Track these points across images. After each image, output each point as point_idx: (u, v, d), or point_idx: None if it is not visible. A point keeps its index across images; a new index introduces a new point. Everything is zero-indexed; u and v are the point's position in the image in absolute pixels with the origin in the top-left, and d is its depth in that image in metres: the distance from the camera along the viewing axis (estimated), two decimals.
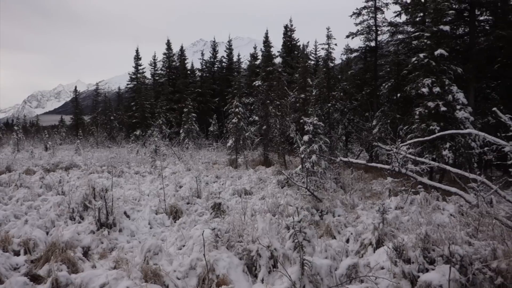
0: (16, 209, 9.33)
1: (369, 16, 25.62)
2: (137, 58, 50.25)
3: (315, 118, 12.08)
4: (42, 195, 11.15)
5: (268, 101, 21.53)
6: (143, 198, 10.83)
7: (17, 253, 6.34)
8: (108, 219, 7.46)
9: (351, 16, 25.87)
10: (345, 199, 10.25)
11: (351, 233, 7.10)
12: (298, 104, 25.81)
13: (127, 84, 53.46)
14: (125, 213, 8.37)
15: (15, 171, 15.87)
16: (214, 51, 49.91)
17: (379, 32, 25.85)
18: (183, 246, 6.68)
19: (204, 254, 5.29)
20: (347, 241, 6.98)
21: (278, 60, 39.00)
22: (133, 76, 51.39)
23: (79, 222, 7.83)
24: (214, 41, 50.86)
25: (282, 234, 6.24)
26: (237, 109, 21.06)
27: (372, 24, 25.68)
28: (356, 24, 25.87)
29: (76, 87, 61.78)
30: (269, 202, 9.61)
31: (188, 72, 49.38)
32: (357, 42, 27.41)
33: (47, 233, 7.29)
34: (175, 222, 8.51)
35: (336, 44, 22.73)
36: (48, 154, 28.36)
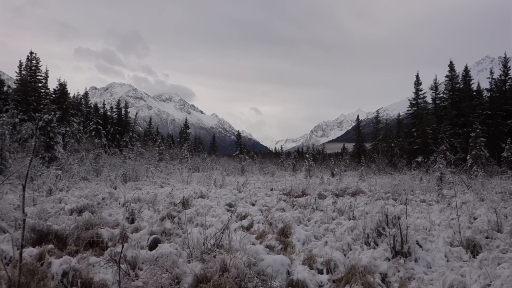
0: (315, 230, 10.27)
1: None
2: (417, 83, 49.64)
3: None
4: (336, 219, 11.92)
5: None
6: (433, 228, 10.34)
7: (320, 272, 6.91)
8: (403, 247, 7.42)
9: None
10: None
11: None
12: None
13: (407, 110, 53.19)
14: (417, 242, 8.16)
15: (310, 195, 17.63)
16: (505, 67, 44.51)
17: None
18: (488, 285, 6.06)
19: None
20: None
21: None
22: (413, 102, 50.88)
23: (374, 248, 8.03)
24: (505, 57, 45.59)
25: None
26: None
27: None
28: None
29: (358, 116, 65.03)
30: None
31: (474, 93, 45.60)
32: None
33: (344, 255, 7.75)
34: (474, 257, 7.80)
35: None
36: (335, 180, 30.62)
